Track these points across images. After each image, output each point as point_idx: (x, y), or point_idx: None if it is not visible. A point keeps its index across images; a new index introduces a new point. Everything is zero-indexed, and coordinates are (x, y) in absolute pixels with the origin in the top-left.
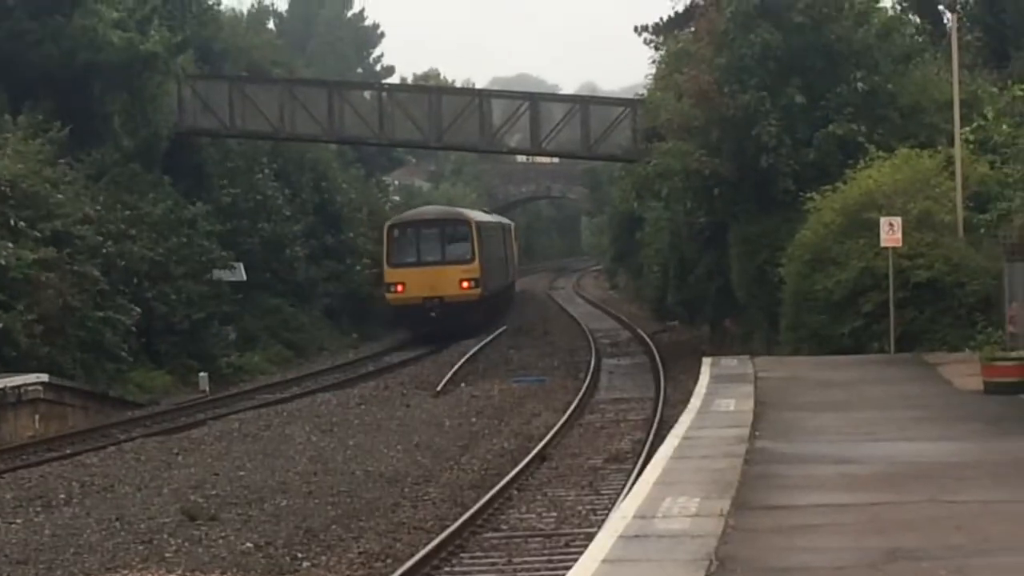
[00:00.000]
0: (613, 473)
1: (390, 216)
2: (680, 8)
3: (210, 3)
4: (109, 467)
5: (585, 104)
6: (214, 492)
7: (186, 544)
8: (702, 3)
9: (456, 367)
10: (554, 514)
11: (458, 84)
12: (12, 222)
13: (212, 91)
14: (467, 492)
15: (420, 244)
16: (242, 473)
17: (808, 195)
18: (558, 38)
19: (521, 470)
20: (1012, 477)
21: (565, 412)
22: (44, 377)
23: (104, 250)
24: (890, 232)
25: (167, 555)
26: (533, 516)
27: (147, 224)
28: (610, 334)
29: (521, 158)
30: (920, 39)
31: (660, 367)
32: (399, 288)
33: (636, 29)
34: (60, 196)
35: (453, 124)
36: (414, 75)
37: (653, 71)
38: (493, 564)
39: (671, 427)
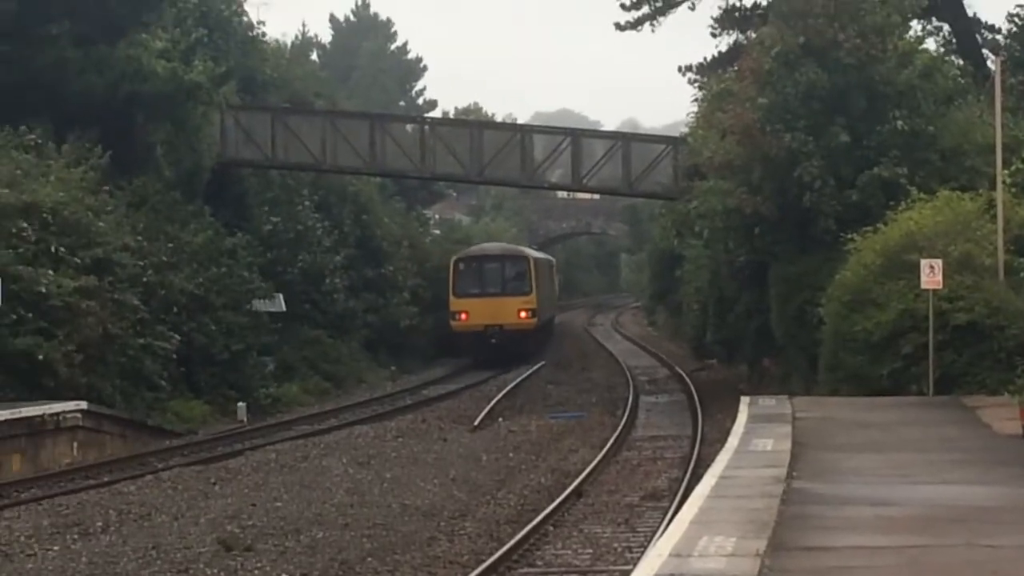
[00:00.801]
0: (649, 511)
1: (430, 250)
2: (724, 48)
3: (254, 34)
4: (146, 496)
5: (627, 141)
6: (250, 523)
7: (222, 574)
8: (746, 43)
9: (494, 402)
10: (590, 551)
11: (499, 119)
12: (53, 249)
13: (254, 122)
14: (503, 527)
15: (483, 277)
16: (279, 504)
17: (849, 236)
18: (600, 75)
19: (557, 506)
20: None
21: (602, 449)
22: (83, 405)
23: (144, 279)
24: (930, 274)
25: None
26: (569, 552)
27: (187, 254)
28: (648, 371)
29: (562, 194)
30: (963, 81)
31: (698, 405)
32: (463, 316)
33: (680, 69)
34: (101, 224)
35: (494, 159)
36: (456, 109)
37: (695, 109)
38: None
39: (708, 466)
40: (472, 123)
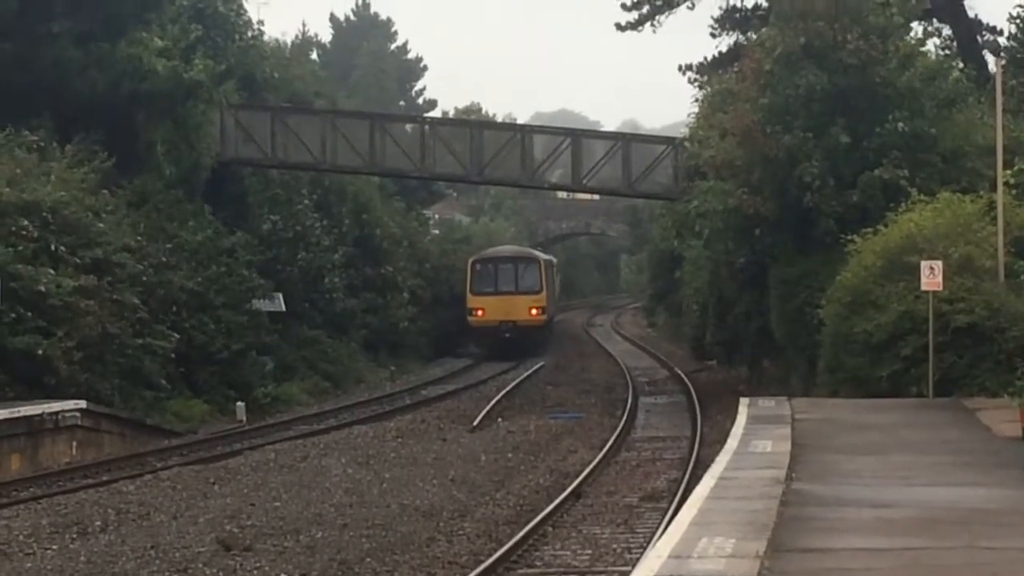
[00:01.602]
0: (648, 512)
1: (430, 249)
2: (724, 48)
3: (253, 33)
4: (145, 495)
5: (627, 141)
6: (249, 522)
7: (221, 574)
8: (746, 43)
9: (493, 402)
10: (588, 551)
11: (499, 119)
12: (53, 248)
13: (254, 121)
14: (502, 528)
15: (498, 277)
16: (278, 504)
17: (849, 237)
18: (601, 75)
19: (556, 507)
20: None
21: (601, 449)
22: (82, 404)
23: (144, 278)
24: (931, 276)
25: None
26: (568, 553)
27: (187, 252)
28: (648, 372)
29: (561, 194)
30: (964, 83)
31: (697, 406)
32: (479, 312)
33: (680, 68)
34: (101, 224)
35: (494, 159)
36: (456, 109)
37: (696, 110)
38: None
39: (707, 467)
40: (472, 123)
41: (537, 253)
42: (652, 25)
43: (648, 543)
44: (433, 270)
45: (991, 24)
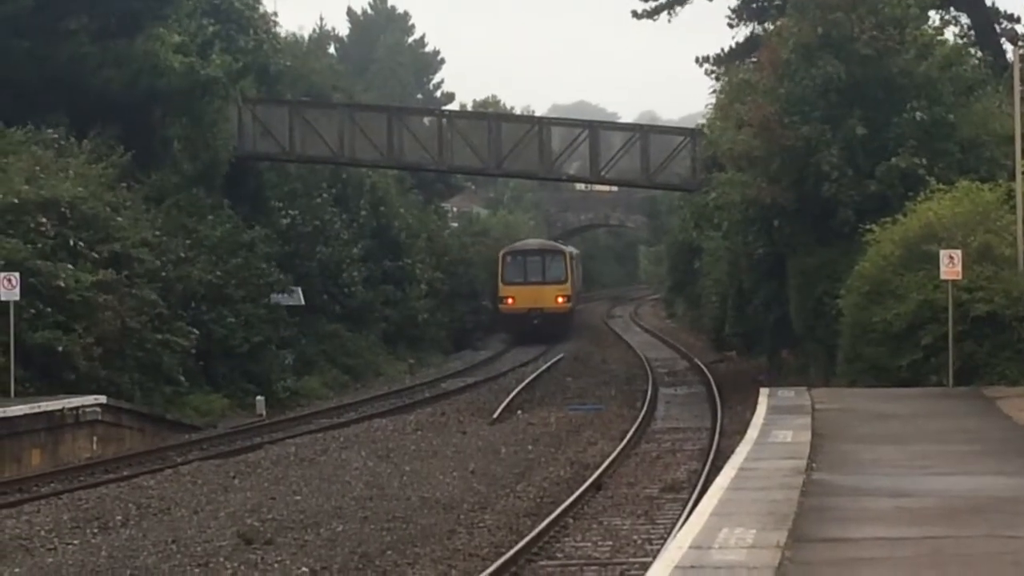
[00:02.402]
0: (669, 503)
1: (448, 242)
2: (741, 39)
3: (269, 28)
4: (166, 490)
5: (645, 133)
6: (270, 516)
7: (242, 568)
8: (764, 34)
9: (513, 394)
10: (609, 543)
11: (517, 111)
12: (72, 243)
13: (272, 115)
14: (523, 520)
15: (527, 268)
16: (298, 497)
17: (868, 227)
18: (618, 67)
19: (577, 498)
20: None
21: (621, 441)
22: (102, 399)
23: (163, 273)
24: (950, 265)
25: None
26: (588, 545)
27: (206, 247)
28: (667, 363)
29: (580, 186)
30: (982, 72)
31: (717, 397)
32: (509, 301)
33: (698, 60)
34: (120, 219)
35: (512, 151)
36: (474, 101)
37: (713, 101)
38: None
39: (727, 458)
40: (490, 116)
41: (563, 246)
42: (669, 14)
43: (669, 534)
44: (452, 263)
45: (1009, 12)
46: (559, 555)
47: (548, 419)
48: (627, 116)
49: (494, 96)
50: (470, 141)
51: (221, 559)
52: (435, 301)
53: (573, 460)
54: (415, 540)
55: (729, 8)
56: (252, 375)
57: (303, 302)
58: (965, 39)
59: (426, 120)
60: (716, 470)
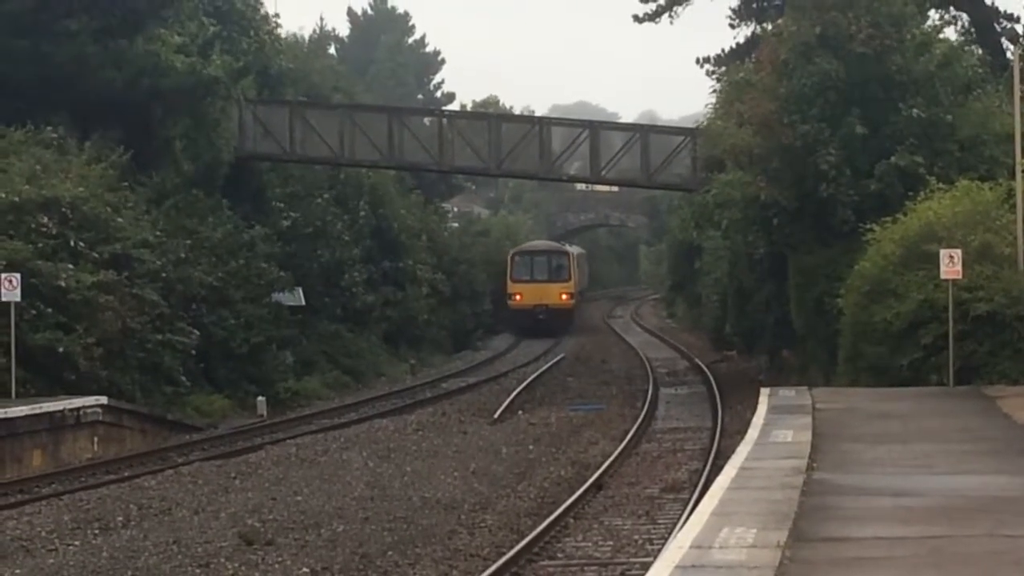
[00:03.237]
0: (669, 503)
1: (449, 243)
2: (741, 39)
3: (271, 28)
4: (167, 490)
5: (645, 133)
6: (271, 517)
7: (243, 568)
8: (763, 34)
9: (514, 394)
10: (610, 543)
11: (517, 111)
12: (73, 243)
13: (273, 116)
14: (524, 520)
15: (534, 267)
16: (299, 498)
17: (868, 226)
18: (618, 67)
19: (578, 498)
20: None
21: (622, 441)
22: (103, 399)
23: (164, 274)
24: (950, 264)
25: None
26: (589, 544)
27: (206, 248)
28: (668, 363)
29: (580, 186)
30: (981, 71)
31: (718, 397)
32: (517, 297)
33: (698, 60)
34: (120, 220)
35: (512, 151)
36: (474, 102)
37: (713, 100)
38: None
39: (728, 457)
40: (490, 116)
41: (567, 247)
42: (670, 16)
43: (670, 534)
44: (453, 263)
45: (1008, 12)
46: (560, 555)
47: (549, 419)
48: (627, 116)
49: (494, 96)
50: (470, 141)
51: (222, 560)
52: (436, 301)
53: (574, 460)
54: (416, 540)
55: (730, 8)
56: (253, 376)
57: (304, 302)
58: (965, 38)
59: (426, 120)
60: (717, 470)
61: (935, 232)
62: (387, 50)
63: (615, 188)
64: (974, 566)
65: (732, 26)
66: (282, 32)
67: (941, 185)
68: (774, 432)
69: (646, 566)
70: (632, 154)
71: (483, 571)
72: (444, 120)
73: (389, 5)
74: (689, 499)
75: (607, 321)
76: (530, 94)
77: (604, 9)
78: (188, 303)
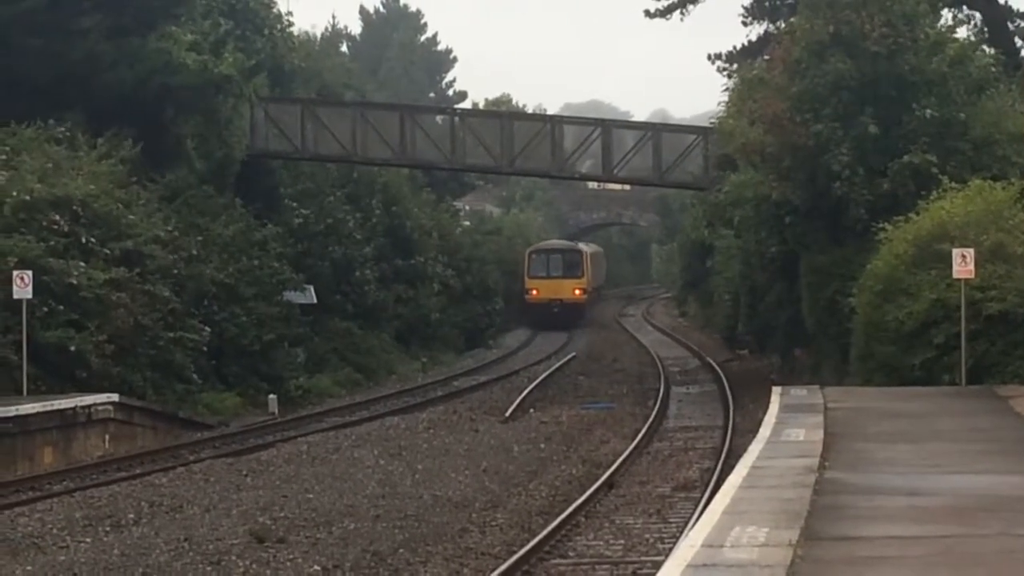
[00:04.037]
0: (681, 501)
1: (460, 241)
2: (754, 37)
3: (283, 26)
4: (178, 488)
5: (657, 131)
6: (282, 514)
7: (254, 566)
8: (776, 32)
9: (525, 393)
10: (622, 542)
11: (530, 110)
12: (84, 241)
13: (284, 114)
14: (535, 518)
15: (549, 264)
16: (310, 496)
17: (880, 225)
18: (630, 66)
19: (589, 497)
20: None
21: (634, 439)
22: (115, 397)
23: (175, 271)
24: (962, 264)
25: None
26: (601, 543)
27: (218, 245)
28: (679, 362)
29: (592, 185)
30: (994, 70)
31: (729, 396)
32: (534, 292)
33: (710, 57)
34: (132, 217)
35: (524, 149)
36: (486, 100)
37: (725, 99)
38: None
39: (740, 456)
40: (502, 114)
41: (582, 245)
42: (681, 13)
43: (681, 533)
44: (464, 261)
45: (1022, 11)
46: (571, 554)
47: (560, 417)
48: (639, 114)
49: (506, 94)
50: (482, 139)
51: (233, 557)
52: (447, 299)
53: (585, 458)
54: (427, 538)
55: (742, 6)
56: (264, 373)
57: (315, 300)
58: (978, 37)
59: (438, 118)
60: (728, 469)
61: (948, 231)
62: (399, 48)
63: (627, 187)
64: (987, 566)
65: (744, 23)
66: (294, 30)
67: (954, 184)
68: (786, 431)
69: (657, 565)
70: (644, 152)
71: (494, 569)
72: (456, 118)
73: (401, 3)
74: (700, 498)
75: (618, 320)
76: (542, 92)
77: (616, 7)
78: (200, 300)
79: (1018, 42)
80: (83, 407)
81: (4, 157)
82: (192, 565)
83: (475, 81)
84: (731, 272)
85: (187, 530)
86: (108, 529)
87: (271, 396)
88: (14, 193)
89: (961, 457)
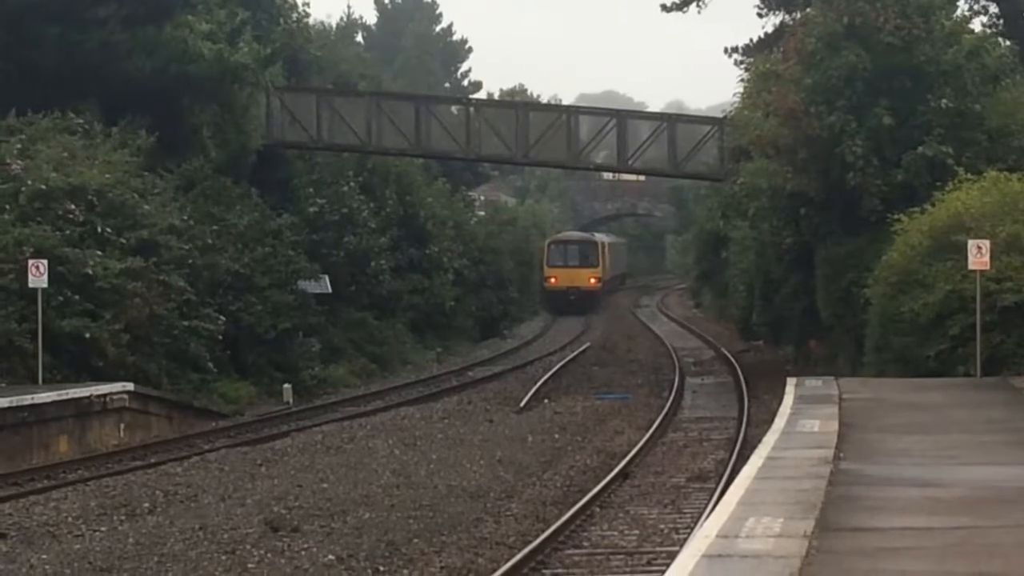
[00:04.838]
0: (696, 492)
1: (475, 231)
2: (770, 28)
3: (299, 16)
4: (193, 477)
5: (672, 122)
6: (297, 504)
7: (269, 555)
8: (791, 23)
9: (540, 383)
10: (636, 532)
11: (545, 100)
12: (100, 231)
13: (300, 104)
14: (549, 508)
15: (567, 254)
16: (325, 485)
17: (896, 216)
18: (646, 56)
19: (604, 487)
20: None
21: (648, 430)
22: (130, 386)
23: (190, 260)
24: (978, 255)
25: (250, 566)
26: (615, 534)
27: (233, 235)
28: (694, 353)
29: (607, 175)
30: (1010, 61)
31: (744, 387)
32: (552, 280)
33: (726, 50)
34: (147, 206)
35: (540, 140)
36: (501, 91)
37: (740, 90)
38: None
39: (754, 447)
40: (517, 104)
41: (598, 237)
42: (698, 5)
43: (696, 523)
44: (479, 251)
45: None
46: (586, 544)
47: (575, 408)
48: (654, 105)
49: (521, 85)
50: (497, 130)
51: (248, 546)
52: (462, 290)
53: (600, 449)
54: (442, 528)
55: None
56: (279, 363)
57: (330, 290)
58: (994, 28)
59: (454, 109)
60: (743, 459)
61: (963, 223)
62: (414, 38)
63: (642, 177)
64: (1002, 557)
65: (760, 15)
66: (310, 20)
67: (969, 176)
68: (801, 422)
69: (672, 555)
70: (659, 143)
71: (509, 559)
72: (471, 108)
73: None
74: (715, 488)
75: (633, 311)
76: (557, 83)
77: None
78: (215, 289)
79: None
80: (98, 396)
81: (20, 146)
82: (207, 554)
83: (490, 71)
84: (746, 263)
85: (202, 519)
86: (123, 518)
87: (286, 386)
88: (30, 182)
89: (976, 448)
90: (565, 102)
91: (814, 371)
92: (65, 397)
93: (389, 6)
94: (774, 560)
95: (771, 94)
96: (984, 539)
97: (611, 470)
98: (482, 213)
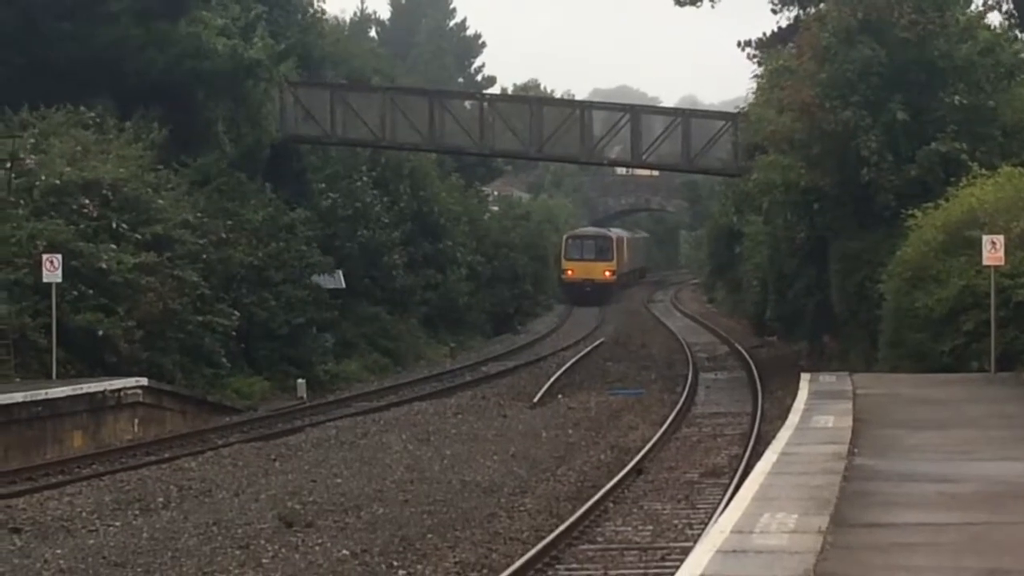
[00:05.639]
0: (710, 487)
1: (489, 226)
2: (784, 23)
3: (313, 11)
4: (207, 472)
5: (686, 117)
6: (311, 499)
7: (283, 550)
8: (806, 18)
9: (553, 378)
10: (650, 527)
11: (558, 95)
12: (114, 225)
13: (314, 98)
14: (563, 503)
15: (583, 248)
16: (339, 480)
17: (910, 212)
18: (660, 51)
19: (617, 483)
20: None
21: (662, 425)
22: (144, 381)
23: (204, 255)
24: (992, 250)
25: (264, 561)
26: (629, 529)
27: (247, 230)
28: (708, 348)
29: (621, 170)
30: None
31: (758, 382)
32: (569, 272)
33: (739, 44)
34: (161, 201)
35: (553, 135)
36: (514, 85)
37: (755, 85)
38: None
39: (768, 442)
40: (531, 99)
41: (613, 232)
42: (712, 1)
43: (710, 519)
44: (493, 246)
45: None
46: (600, 539)
47: (588, 403)
48: (668, 100)
49: (535, 80)
50: (511, 125)
51: (262, 541)
52: (476, 284)
53: (614, 444)
54: (455, 523)
55: None
56: (293, 358)
57: (344, 285)
58: (1009, 23)
59: (467, 104)
60: (757, 455)
61: (977, 218)
62: (428, 33)
63: (655, 172)
64: (1017, 553)
65: (774, 11)
66: (324, 15)
67: (983, 171)
68: (815, 417)
69: (686, 551)
70: (673, 138)
71: (523, 555)
72: (485, 103)
73: None
74: (729, 484)
75: (647, 306)
76: (571, 78)
77: None
78: (228, 284)
79: None
80: (112, 391)
81: (34, 141)
82: (221, 549)
83: (504, 66)
84: (759, 258)
85: (216, 514)
86: (137, 513)
87: (300, 380)
88: (44, 177)
89: (990, 444)
90: (578, 97)
91: (828, 366)
92: (79, 392)
93: (403, 1)
94: (789, 556)
95: (784, 90)
96: (999, 535)
97: (625, 465)
98: (495, 208)
